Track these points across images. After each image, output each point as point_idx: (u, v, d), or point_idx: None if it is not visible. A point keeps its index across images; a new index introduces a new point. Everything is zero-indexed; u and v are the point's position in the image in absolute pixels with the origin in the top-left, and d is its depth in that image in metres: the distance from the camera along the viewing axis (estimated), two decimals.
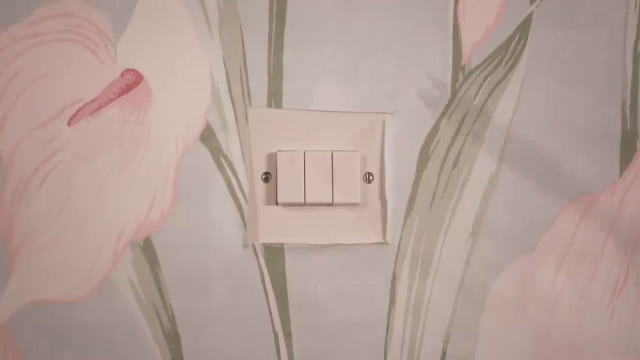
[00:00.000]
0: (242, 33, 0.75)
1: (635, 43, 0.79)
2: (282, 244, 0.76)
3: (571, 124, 0.79)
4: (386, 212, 0.77)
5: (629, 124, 0.79)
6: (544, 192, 0.79)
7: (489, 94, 0.78)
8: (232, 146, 0.75)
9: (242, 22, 0.75)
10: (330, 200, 0.75)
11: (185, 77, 0.75)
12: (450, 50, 0.77)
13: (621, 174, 0.79)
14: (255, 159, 0.76)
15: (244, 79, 0.75)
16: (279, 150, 0.75)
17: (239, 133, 0.75)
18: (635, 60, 0.79)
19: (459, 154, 0.78)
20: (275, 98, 0.76)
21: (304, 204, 0.75)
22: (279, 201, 0.75)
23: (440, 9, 0.77)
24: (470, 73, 0.77)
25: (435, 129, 0.77)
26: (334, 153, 0.75)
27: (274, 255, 0.76)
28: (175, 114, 0.75)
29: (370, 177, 0.77)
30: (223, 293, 0.76)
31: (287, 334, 0.77)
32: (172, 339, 0.76)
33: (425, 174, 0.77)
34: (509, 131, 0.78)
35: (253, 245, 0.76)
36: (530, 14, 0.78)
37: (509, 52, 0.78)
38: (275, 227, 0.76)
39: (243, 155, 0.76)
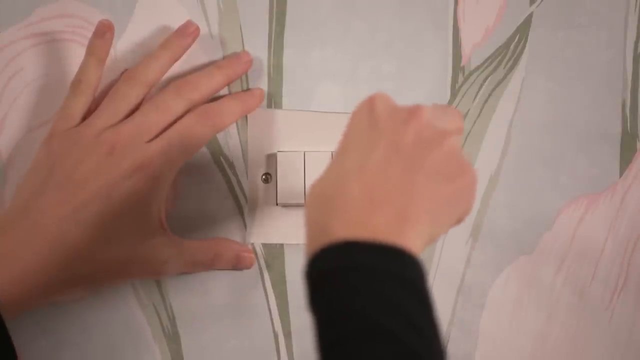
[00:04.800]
0: (242, 33, 0.75)
1: (635, 43, 0.79)
2: (282, 244, 0.76)
3: (571, 124, 0.79)
4: None
5: (629, 125, 0.79)
6: (544, 192, 0.79)
7: (489, 95, 0.78)
8: (232, 146, 0.76)
9: (242, 22, 0.75)
10: None
11: None
12: (450, 51, 0.77)
13: (621, 174, 0.79)
14: (255, 160, 0.76)
15: (243, 79, 0.75)
16: (278, 151, 0.75)
17: (239, 134, 0.75)
18: (635, 61, 0.79)
19: None
20: (275, 99, 0.76)
21: (304, 205, 0.75)
22: (278, 202, 0.75)
23: (440, 10, 0.77)
24: (471, 74, 0.77)
25: None
26: (334, 154, 0.74)
27: (274, 255, 0.76)
28: None
29: None
30: (223, 293, 0.76)
31: (287, 334, 0.77)
32: (172, 339, 0.76)
33: None
34: (509, 131, 0.78)
35: (253, 245, 0.76)
36: (530, 15, 0.78)
37: (509, 52, 0.78)
38: (275, 227, 0.76)
39: (243, 156, 0.76)
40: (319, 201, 0.56)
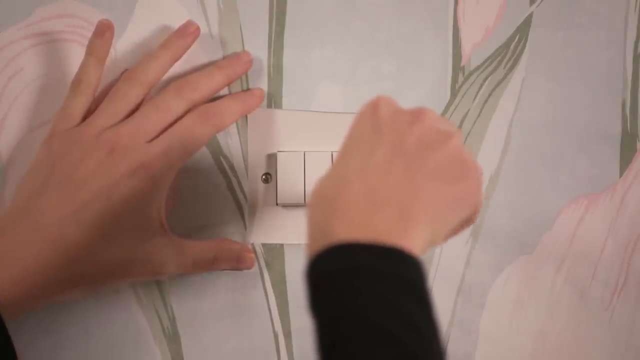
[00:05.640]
0: (242, 33, 0.75)
1: (635, 43, 0.79)
2: (282, 244, 0.76)
3: (571, 124, 0.79)
4: None
5: (629, 125, 0.79)
6: (544, 192, 0.79)
7: (489, 95, 0.78)
8: (232, 146, 0.76)
9: (242, 22, 0.75)
10: None
11: None
12: (450, 51, 0.77)
13: (621, 174, 0.79)
14: (255, 160, 0.76)
15: (243, 79, 0.75)
16: (279, 151, 0.75)
17: (239, 134, 0.75)
18: (635, 61, 0.79)
19: None
20: (275, 99, 0.76)
21: (304, 205, 0.75)
22: (278, 202, 0.75)
23: (440, 10, 0.77)
24: (471, 74, 0.77)
25: None
26: (334, 154, 0.75)
27: (274, 255, 0.76)
28: None
29: None
30: (223, 293, 0.76)
31: (287, 334, 0.77)
32: (172, 339, 0.76)
33: None
34: (509, 131, 0.78)
35: (253, 245, 0.76)
36: (530, 15, 0.78)
37: (509, 52, 0.78)
38: (275, 227, 0.76)
39: (243, 156, 0.76)
40: (320, 202, 0.56)
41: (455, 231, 0.60)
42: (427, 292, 0.53)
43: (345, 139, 0.60)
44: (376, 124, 0.58)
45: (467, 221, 0.60)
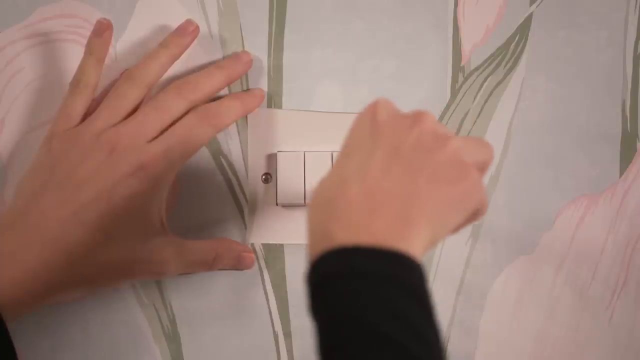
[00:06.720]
0: (242, 33, 0.75)
1: (635, 43, 0.79)
2: (282, 244, 0.76)
3: (571, 124, 0.79)
4: None
5: (629, 125, 0.79)
6: (543, 192, 0.79)
7: (489, 95, 0.78)
8: (232, 147, 0.76)
9: (242, 22, 0.75)
10: None
11: None
12: (450, 51, 0.77)
13: (621, 174, 0.79)
14: (255, 160, 0.76)
15: (243, 79, 0.75)
16: (279, 151, 0.75)
17: (239, 134, 0.75)
18: (635, 61, 0.79)
19: None
20: (275, 99, 0.76)
21: (304, 205, 0.75)
22: (278, 202, 0.75)
23: (440, 10, 0.77)
24: (471, 74, 0.77)
25: None
26: (334, 154, 0.75)
27: (274, 255, 0.76)
28: None
29: None
30: (223, 293, 0.76)
31: (287, 334, 0.77)
32: (172, 339, 0.76)
33: None
34: (508, 132, 0.78)
35: (253, 245, 0.76)
36: (530, 15, 0.78)
37: (509, 52, 0.78)
38: (275, 227, 0.76)
39: (243, 156, 0.76)
40: (320, 204, 0.56)
41: (460, 227, 0.60)
42: (428, 295, 0.53)
43: (344, 142, 0.60)
44: (375, 127, 0.58)
45: (474, 215, 0.60)
